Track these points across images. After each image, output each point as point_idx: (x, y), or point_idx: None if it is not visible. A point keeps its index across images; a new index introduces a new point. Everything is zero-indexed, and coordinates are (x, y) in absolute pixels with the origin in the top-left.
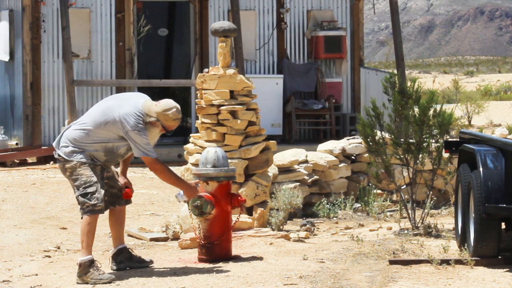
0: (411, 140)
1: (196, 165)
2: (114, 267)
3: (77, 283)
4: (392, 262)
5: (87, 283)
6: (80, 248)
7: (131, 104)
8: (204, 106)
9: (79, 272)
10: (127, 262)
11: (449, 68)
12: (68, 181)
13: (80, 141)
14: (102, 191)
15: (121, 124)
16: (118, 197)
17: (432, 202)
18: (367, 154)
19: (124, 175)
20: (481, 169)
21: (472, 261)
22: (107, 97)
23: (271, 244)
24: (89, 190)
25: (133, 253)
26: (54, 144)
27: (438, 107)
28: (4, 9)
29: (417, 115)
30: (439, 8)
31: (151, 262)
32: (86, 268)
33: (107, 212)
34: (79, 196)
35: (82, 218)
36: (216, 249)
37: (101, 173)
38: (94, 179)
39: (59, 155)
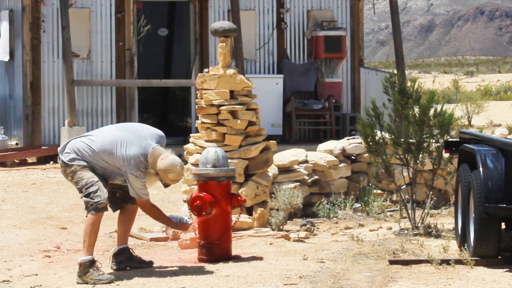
0: (411, 140)
1: (196, 165)
2: (114, 267)
3: (77, 283)
4: (392, 262)
5: (87, 283)
6: (81, 248)
7: (142, 146)
8: (204, 106)
9: (79, 272)
10: (127, 262)
11: (449, 68)
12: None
13: (83, 153)
14: (105, 190)
15: (123, 162)
16: (130, 196)
17: (432, 202)
18: (367, 154)
19: None
20: (481, 169)
21: (472, 261)
22: (125, 124)
23: (271, 244)
24: (91, 189)
25: (134, 254)
26: (59, 149)
27: (438, 107)
28: (4, 9)
29: (417, 115)
30: (439, 8)
31: (151, 263)
32: (86, 268)
33: (110, 212)
34: (83, 197)
35: (86, 216)
36: (216, 249)
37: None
38: (95, 179)
39: (62, 161)
